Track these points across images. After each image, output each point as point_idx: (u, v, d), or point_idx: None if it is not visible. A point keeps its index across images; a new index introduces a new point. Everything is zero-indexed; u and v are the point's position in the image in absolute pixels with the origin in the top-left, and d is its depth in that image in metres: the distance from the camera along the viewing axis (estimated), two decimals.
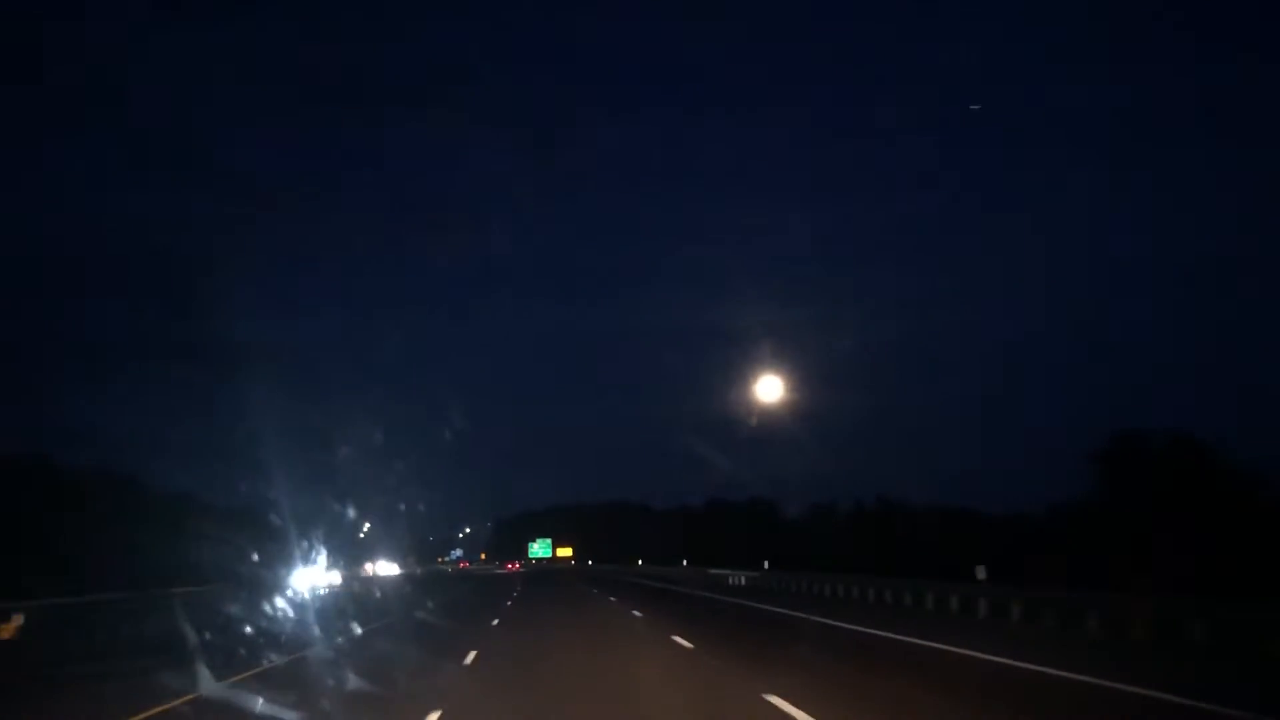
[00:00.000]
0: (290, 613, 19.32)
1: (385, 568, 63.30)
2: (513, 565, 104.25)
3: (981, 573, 19.67)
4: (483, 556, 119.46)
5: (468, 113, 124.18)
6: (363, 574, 53.60)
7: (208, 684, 9.39)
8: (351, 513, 69.97)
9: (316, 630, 15.90)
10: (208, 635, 14.10)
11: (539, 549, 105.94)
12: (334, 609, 21.73)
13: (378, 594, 35.30)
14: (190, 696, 8.74)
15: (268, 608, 19.83)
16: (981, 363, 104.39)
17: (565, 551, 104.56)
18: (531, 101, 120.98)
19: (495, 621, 18.18)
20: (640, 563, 67.65)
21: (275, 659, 11.89)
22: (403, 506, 46.74)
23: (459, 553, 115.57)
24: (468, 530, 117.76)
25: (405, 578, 49.65)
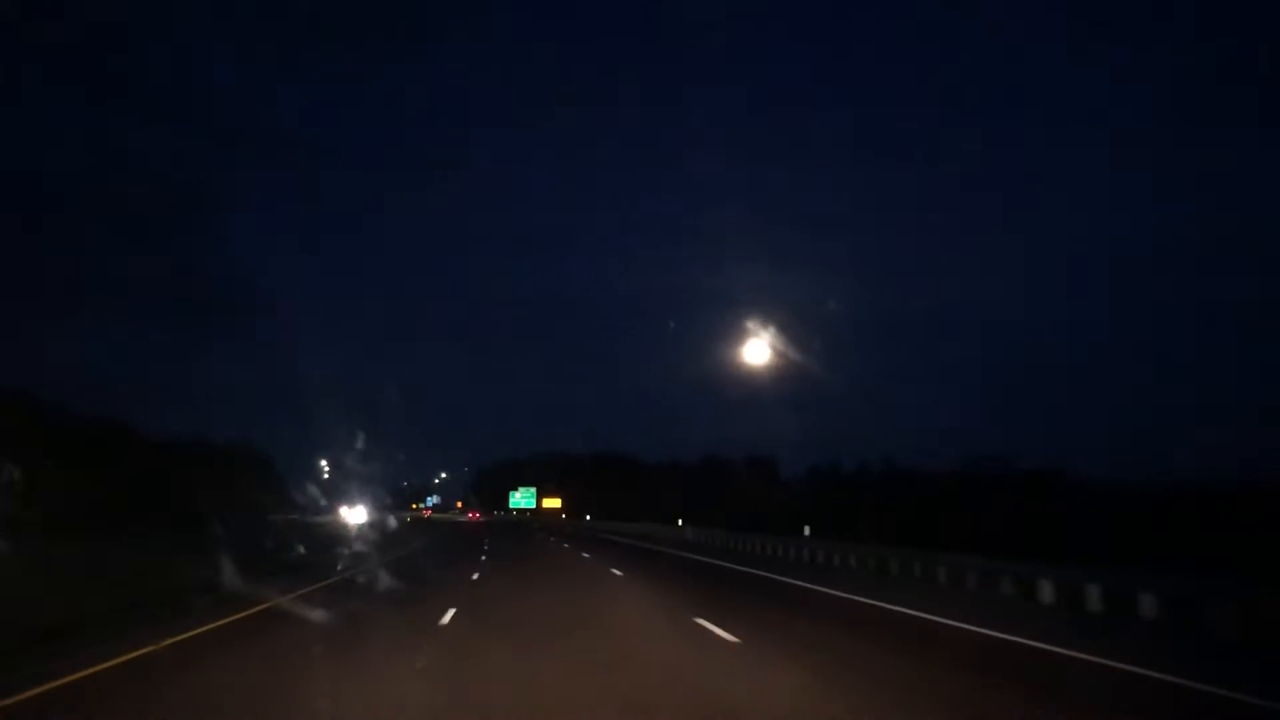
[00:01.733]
0: None
1: (354, 514, 62.59)
2: (474, 515, 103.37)
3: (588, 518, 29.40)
4: (459, 505, 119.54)
5: (463, 64, 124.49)
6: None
7: None
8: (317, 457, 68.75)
9: None
10: None
11: (521, 498, 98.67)
12: None
13: None
14: None
15: None
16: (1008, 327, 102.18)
17: (553, 503, 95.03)
18: (527, 55, 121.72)
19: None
20: (681, 522, 50.61)
21: None
22: (360, 447, 46.50)
23: (435, 499, 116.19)
24: (443, 475, 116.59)
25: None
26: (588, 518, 78.87)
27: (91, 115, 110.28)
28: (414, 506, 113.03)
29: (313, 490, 65.97)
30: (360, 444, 46.71)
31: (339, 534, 38.21)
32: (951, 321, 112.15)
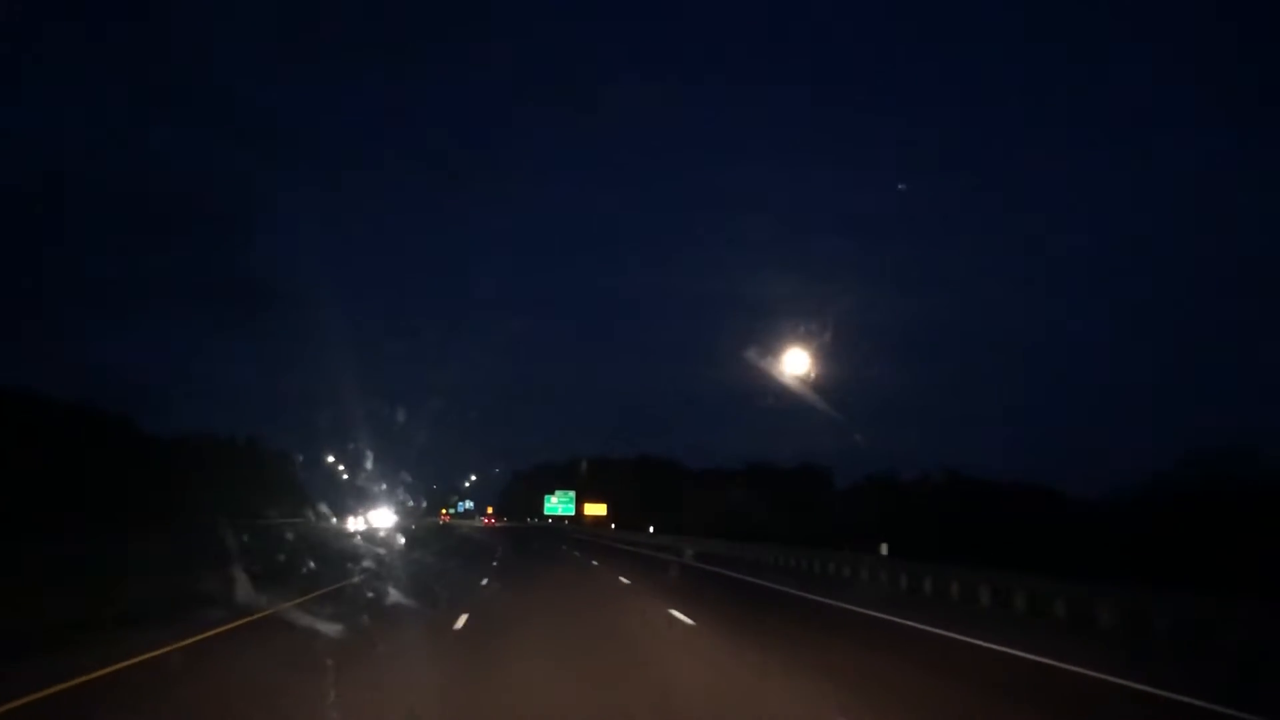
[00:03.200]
0: None
1: (381, 517, 61.52)
2: (489, 520, 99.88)
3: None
4: (489, 510, 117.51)
5: (504, 68, 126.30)
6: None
7: None
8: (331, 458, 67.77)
9: None
10: None
11: (558, 503, 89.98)
12: None
13: None
14: None
15: None
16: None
17: (597, 510, 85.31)
18: (569, 58, 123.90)
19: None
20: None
21: None
22: (381, 450, 45.03)
23: (468, 504, 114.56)
24: (473, 479, 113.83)
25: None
26: (650, 530, 59.54)
27: (103, 110, 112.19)
28: (444, 511, 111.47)
29: (327, 495, 64.50)
30: (385, 446, 45.76)
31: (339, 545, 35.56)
32: (999, 334, 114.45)
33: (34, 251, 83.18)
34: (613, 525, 79.38)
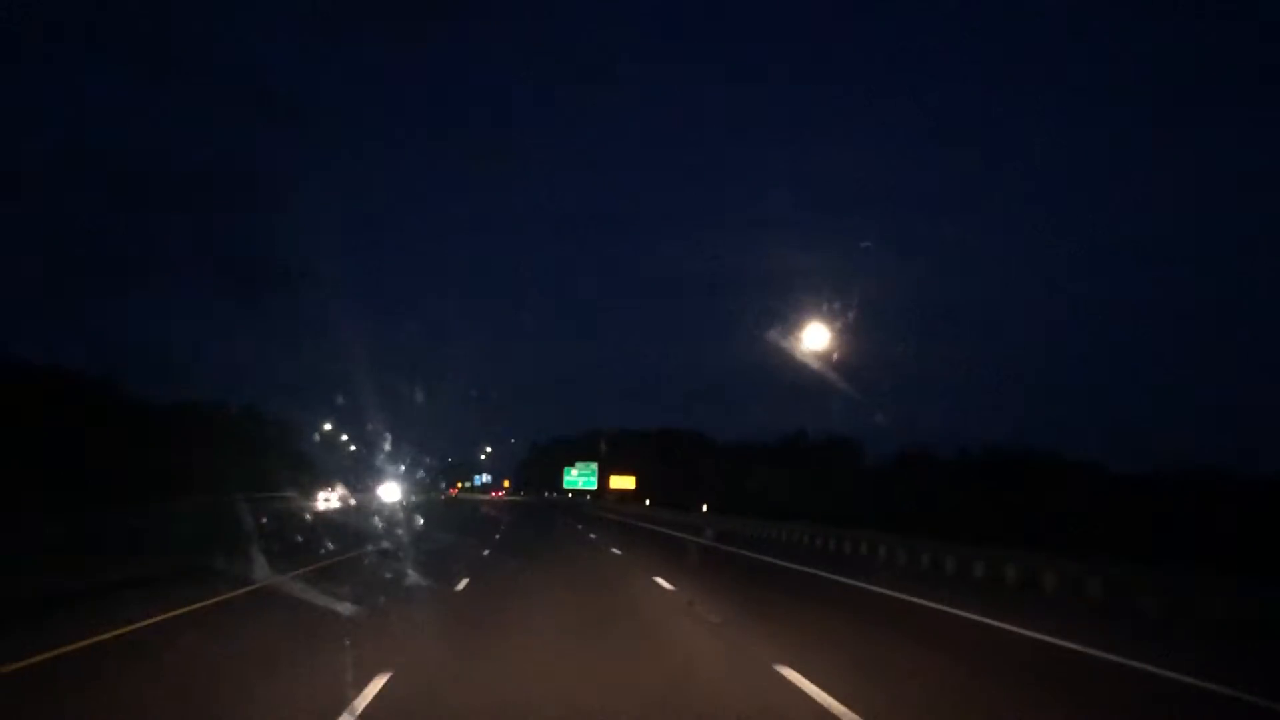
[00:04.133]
0: None
1: (388, 491, 60.72)
2: (497, 493, 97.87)
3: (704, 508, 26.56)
4: (506, 484, 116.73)
5: (523, 43, 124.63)
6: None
7: None
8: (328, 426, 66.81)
9: None
10: None
11: (578, 476, 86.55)
12: None
13: None
14: None
15: None
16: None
17: (623, 482, 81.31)
18: (589, 33, 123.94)
19: None
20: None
21: None
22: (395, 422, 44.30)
23: (486, 477, 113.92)
24: (488, 450, 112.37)
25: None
26: (704, 508, 53.02)
27: (114, 79, 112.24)
28: (457, 485, 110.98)
29: (335, 468, 63.54)
30: (397, 421, 45.02)
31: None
32: (1030, 310, 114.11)
33: (53, 228, 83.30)
34: (647, 502, 72.33)
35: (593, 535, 34.54)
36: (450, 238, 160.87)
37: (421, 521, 36.71)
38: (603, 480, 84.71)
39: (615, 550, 25.94)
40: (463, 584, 15.39)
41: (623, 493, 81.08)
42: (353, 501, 54.85)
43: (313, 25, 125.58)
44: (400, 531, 29.84)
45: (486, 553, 23.11)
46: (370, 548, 22.79)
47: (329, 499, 53.76)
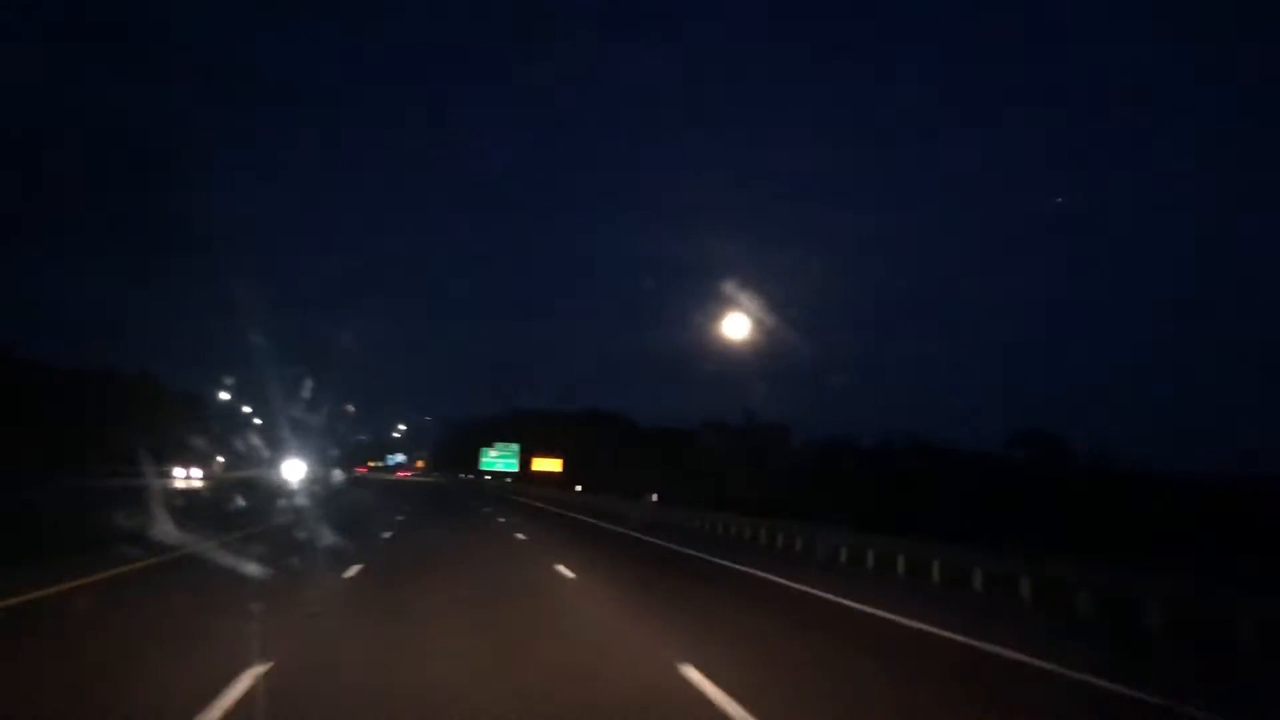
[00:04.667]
0: None
1: (291, 469, 58.74)
2: (404, 473, 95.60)
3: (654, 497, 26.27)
4: (420, 464, 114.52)
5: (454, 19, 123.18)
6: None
7: None
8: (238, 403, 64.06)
9: None
10: None
11: (497, 457, 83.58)
12: None
13: None
14: None
15: None
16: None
17: (550, 465, 78.17)
18: (523, 12, 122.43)
19: None
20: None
21: None
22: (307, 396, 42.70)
23: (400, 458, 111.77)
24: (402, 428, 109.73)
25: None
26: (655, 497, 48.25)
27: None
28: (370, 463, 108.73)
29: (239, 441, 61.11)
30: (307, 393, 43.22)
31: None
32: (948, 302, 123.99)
33: None
34: (578, 489, 67.97)
35: (501, 519, 33.30)
36: (369, 214, 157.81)
37: (300, 503, 32.30)
38: (526, 462, 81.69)
39: (522, 537, 24.57)
40: (354, 570, 14.26)
41: (547, 475, 77.55)
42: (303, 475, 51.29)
43: None
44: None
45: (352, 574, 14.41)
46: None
47: (190, 476, 49.82)
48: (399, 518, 30.12)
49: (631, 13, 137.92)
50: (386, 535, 22.57)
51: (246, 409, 65.36)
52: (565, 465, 78.20)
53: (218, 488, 40.23)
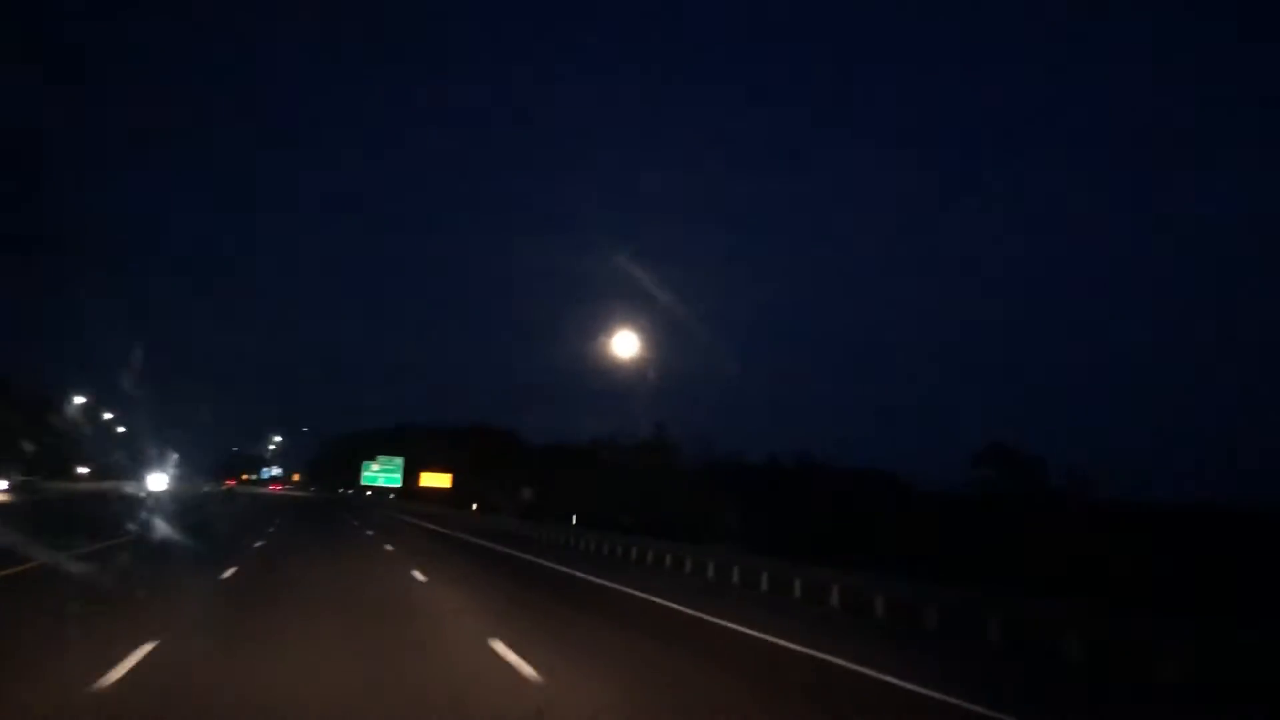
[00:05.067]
0: None
1: (154, 480, 57.02)
2: (276, 486, 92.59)
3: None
4: (295, 478, 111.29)
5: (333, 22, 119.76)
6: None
7: None
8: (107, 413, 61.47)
9: None
10: None
11: (379, 472, 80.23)
12: None
13: None
14: None
15: None
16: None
17: (438, 480, 75.27)
18: (419, 22, 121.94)
19: None
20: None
21: None
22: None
23: (275, 471, 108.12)
24: (277, 440, 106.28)
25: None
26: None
27: None
28: (244, 477, 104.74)
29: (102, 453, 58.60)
30: (174, 406, 40.62)
31: None
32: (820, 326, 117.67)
33: None
34: (474, 506, 64.12)
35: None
36: (246, 222, 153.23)
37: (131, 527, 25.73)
38: (412, 477, 78.15)
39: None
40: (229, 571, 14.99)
41: (438, 490, 74.59)
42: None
43: None
44: None
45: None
46: None
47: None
48: (257, 543, 25.08)
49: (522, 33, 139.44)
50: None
51: (108, 415, 62.44)
52: (455, 481, 75.52)
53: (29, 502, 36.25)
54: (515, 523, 42.02)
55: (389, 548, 25.28)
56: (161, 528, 25.27)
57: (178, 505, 40.78)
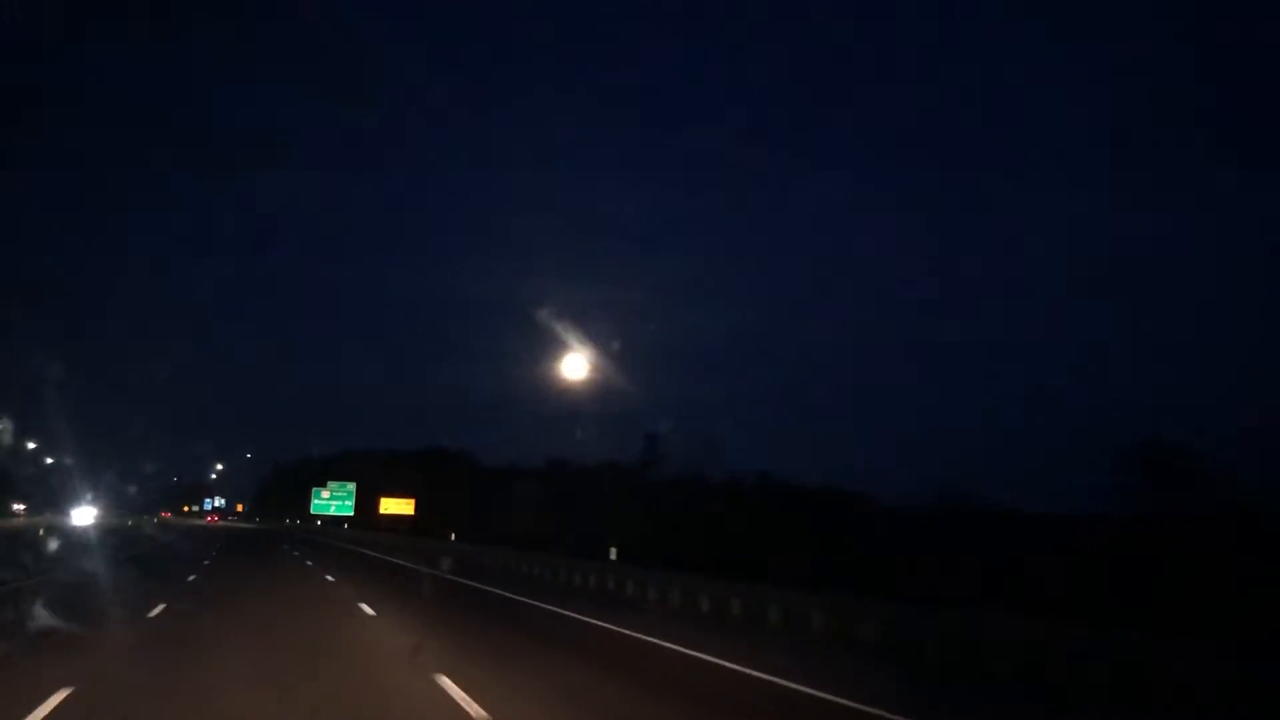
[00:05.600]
0: None
1: (81, 514, 53.84)
2: (213, 518, 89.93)
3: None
4: (239, 508, 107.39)
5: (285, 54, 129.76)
6: None
7: None
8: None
9: None
10: None
11: (330, 499, 75.05)
12: None
13: None
14: None
15: None
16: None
17: (400, 506, 69.40)
18: (353, 52, 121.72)
19: None
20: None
21: None
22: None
23: (218, 502, 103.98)
24: (219, 468, 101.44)
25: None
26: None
27: None
28: (185, 509, 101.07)
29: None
30: (106, 432, 38.02)
31: None
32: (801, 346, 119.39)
33: None
34: (452, 537, 53.78)
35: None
36: (177, 243, 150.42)
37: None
38: (370, 504, 73.30)
39: None
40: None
41: (400, 518, 69.65)
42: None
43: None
44: None
45: None
46: None
47: None
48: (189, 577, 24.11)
49: (463, 55, 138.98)
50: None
51: (31, 445, 59.04)
52: (417, 508, 70.40)
53: None
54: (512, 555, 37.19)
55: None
56: (78, 564, 23.28)
57: (91, 542, 37.67)
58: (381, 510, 71.03)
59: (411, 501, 70.82)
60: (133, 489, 67.74)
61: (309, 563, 32.66)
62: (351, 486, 75.90)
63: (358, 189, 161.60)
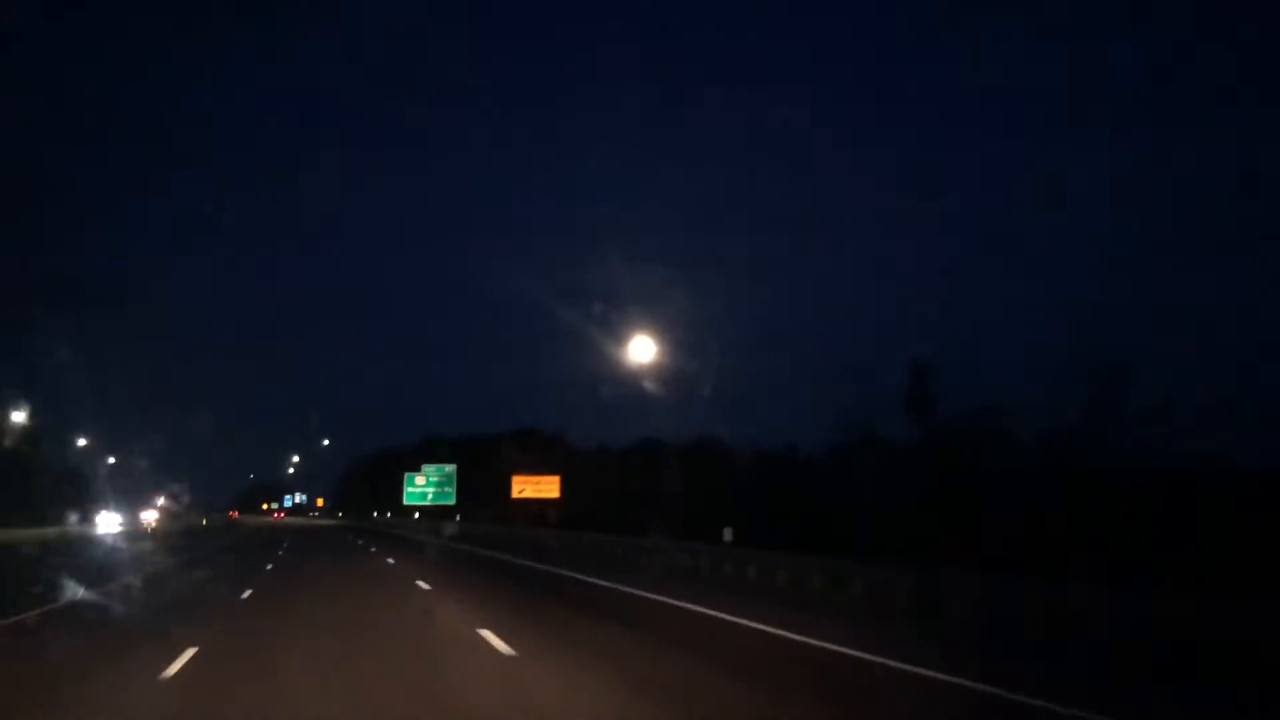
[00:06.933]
0: None
1: (105, 521, 56.76)
2: (280, 514, 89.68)
3: (728, 534, 25.21)
4: (320, 503, 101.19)
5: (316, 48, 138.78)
6: None
7: None
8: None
9: None
10: None
11: (426, 488, 63.64)
12: None
13: None
14: None
15: None
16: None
17: (541, 487, 55.12)
18: (387, 37, 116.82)
19: None
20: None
21: None
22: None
23: (299, 498, 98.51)
24: (296, 460, 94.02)
25: None
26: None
27: None
28: (264, 507, 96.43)
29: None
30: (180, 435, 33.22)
31: None
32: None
33: None
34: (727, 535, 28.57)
35: None
36: (263, 252, 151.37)
37: None
38: (492, 491, 60.91)
39: None
40: None
41: (548, 501, 55.41)
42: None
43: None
44: None
45: None
46: None
47: None
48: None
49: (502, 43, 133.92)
50: None
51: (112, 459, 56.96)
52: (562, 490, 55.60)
53: None
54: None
55: None
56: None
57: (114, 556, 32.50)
58: (514, 493, 55.77)
59: (556, 480, 55.75)
60: (213, 489, 63.55)
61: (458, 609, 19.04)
62: (450, 469, 64.33)
63: (411, 182, 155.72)
